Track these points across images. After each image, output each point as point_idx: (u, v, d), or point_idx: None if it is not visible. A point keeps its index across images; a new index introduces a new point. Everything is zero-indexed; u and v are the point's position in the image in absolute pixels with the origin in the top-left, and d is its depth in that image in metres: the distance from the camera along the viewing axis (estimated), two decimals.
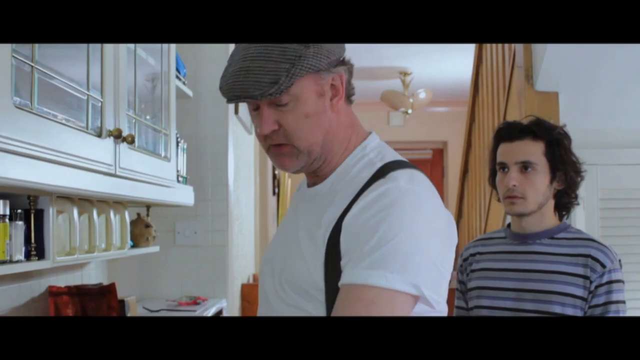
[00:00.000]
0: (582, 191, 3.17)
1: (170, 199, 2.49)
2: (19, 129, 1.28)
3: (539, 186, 1.81)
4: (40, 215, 1.68)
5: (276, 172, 6.12)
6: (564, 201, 1.89)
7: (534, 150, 1.83)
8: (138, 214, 2.69)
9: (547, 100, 2.91)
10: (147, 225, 2.68)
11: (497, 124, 3.74)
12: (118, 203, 2.21)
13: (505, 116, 3.49)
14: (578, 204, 1.94)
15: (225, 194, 3.38)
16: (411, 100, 6.43)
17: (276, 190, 6.21)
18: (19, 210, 1.59)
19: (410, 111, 6.49)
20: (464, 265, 1.99)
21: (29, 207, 1.65)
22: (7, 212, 1.53)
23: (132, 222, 2.58)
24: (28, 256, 1.65)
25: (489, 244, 1.96)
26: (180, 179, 2.73)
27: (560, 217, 1.91)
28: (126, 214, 2.29)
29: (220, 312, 3.16)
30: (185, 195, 2.76)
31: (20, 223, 1.59)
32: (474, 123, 4.66)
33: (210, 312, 2.95)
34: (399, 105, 6.45)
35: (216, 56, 3.35)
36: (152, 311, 2.87)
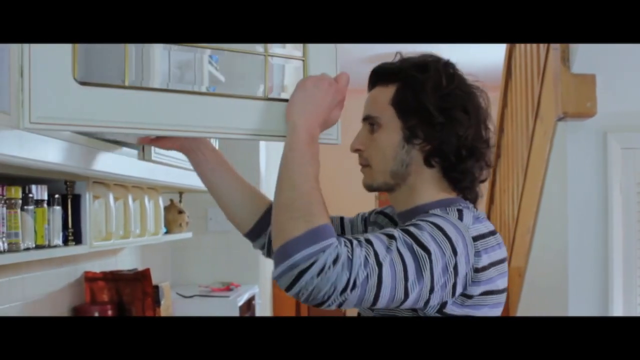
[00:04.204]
0: (619, 175, 3.14)
1: (203, 185, 2.48)
2: None
3: (384, 150, 1.27)
4: (77, 200, 1.69)
5: None
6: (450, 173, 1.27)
7: (378, 101, 1.28)
8: (171, 200, 2.70)
9: (583, 83, 2.86)
10: (180, 212, 2.68)
11: (531, 108, 3.69)
12: (152, 189, 2.21)
13: (539, 100, 3.43)
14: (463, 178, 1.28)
15: (257, 181, 3.38)
16: None
17: None
18: (57, 196, 1.60)
19: None
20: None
21: (66, 192, 1.66)
22: (46, 197, 1.54)
23: (166, 208, 2.59)
24: (66, 241, 1.65)
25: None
26: None
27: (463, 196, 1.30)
28: (160, 199, 2.29)
29: (252, 298, 3.16)
30: None
31: (58, 208, 1.60)
32: (507, 108, 4.60)
33: (243, 298, 2.95)
34: None
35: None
36: (185, 297, 2.88)
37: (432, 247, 1.11)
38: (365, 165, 1.31)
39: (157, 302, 2.41)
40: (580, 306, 3.01)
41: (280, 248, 1.08)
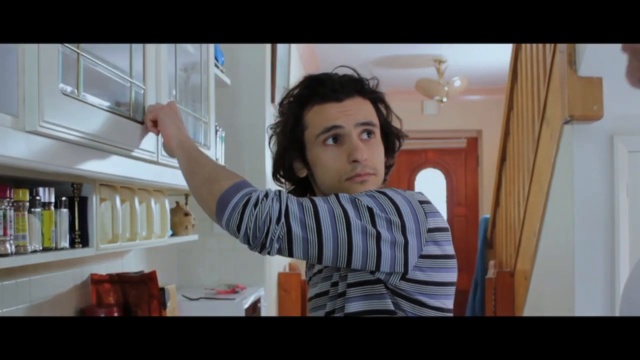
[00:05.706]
0: (625, 178, 3.13)
1: None
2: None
3: (382, 158, 1.36)
4: (84, 202, 1.69)
5: None
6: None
7: (369, 111, 1.36)
8: (177, 202, 2.70)
9: (590, 86, 2.85)
10: (186, 214, 2.68)
11: (537, 111, 3.69)
12: (158, 191, 2.21)
13: (546, 103, 3.43)
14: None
15: (263, 183, 3.38)
16: (446, 88, 6.36)
17: None
18: (64, 198, 1.60)
19: (445, 99, 6.42)
20: None
21: (72, 194, 1.66)
22: (53, 200, 1.54)
23: (172, 211, 2.59)
24: (72, 244, 1.65)
25: None
26: None
27: None
28: (166, 202, 2.29)
29: (258, 300, 3.16)
30: None
31: (65, 211, 1.60)
32: (512, 111, 4.59)
33: (248, 301, 2.95)
34: (434, 93, 6.38)
35: (253, 44, 3.34)
36: (191, 299, 2.88)
37: (371, 203, 1.19)
38: (373, 174, 1.31)
39: (163, 305, 2.41)
40: (587, 309, 3.01)
41: (217, 203, 1.20)
